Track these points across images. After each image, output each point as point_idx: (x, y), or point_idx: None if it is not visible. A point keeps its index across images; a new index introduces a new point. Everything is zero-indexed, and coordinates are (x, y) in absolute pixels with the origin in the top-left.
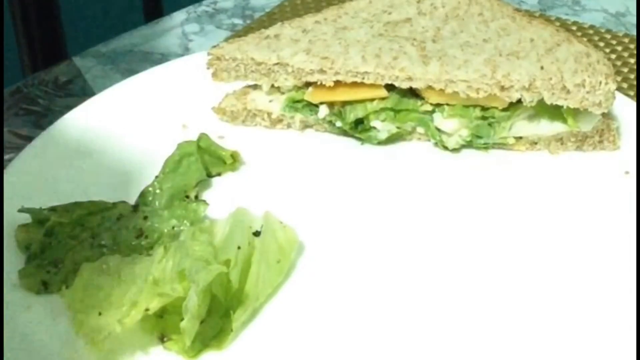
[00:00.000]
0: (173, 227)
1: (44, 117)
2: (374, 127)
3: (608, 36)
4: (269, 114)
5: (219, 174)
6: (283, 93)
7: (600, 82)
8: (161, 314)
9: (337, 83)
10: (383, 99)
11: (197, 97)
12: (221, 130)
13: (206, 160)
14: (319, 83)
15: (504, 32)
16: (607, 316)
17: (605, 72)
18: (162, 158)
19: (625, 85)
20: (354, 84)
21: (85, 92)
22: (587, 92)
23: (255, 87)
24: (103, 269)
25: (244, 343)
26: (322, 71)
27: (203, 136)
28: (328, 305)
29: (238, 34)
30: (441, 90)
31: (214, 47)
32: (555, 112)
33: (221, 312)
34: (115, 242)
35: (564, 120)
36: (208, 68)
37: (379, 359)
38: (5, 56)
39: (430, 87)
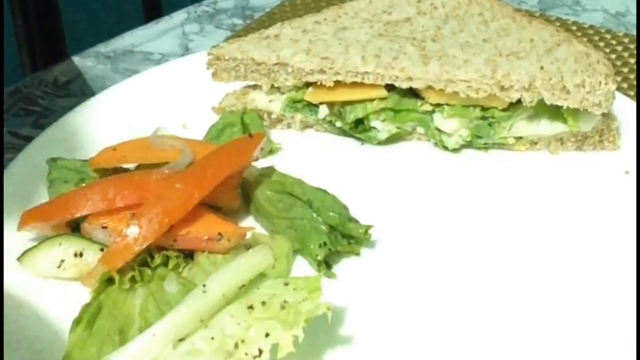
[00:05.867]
0: None
1: (44, 117)
2: (374, 127)
3: (608, 36)
4: (269, 114)
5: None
6: (283, 93)
7: (600, 83)
8: None
9: (337, 83)
10: (383, 99)
11: (197, 97)
12: None
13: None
14: (319, 83)
15: (504, 32)
16: (607, 315)
17: (605, 73)
18: None
19: (625, 85)
20: (354, 84)
21: (85, 92)
22: (587, 93)
23: (255, 87)
24: None
25: None
26: (322, 71)
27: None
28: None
29: (238, 34)
30: (441, 90)
31: (214, 47)
32: (555, 112)
33: None
34: None
35: (564, 120)
36: (208, 68)
37: (383, 356)
38: (5, 56)
39: (430, 87)
